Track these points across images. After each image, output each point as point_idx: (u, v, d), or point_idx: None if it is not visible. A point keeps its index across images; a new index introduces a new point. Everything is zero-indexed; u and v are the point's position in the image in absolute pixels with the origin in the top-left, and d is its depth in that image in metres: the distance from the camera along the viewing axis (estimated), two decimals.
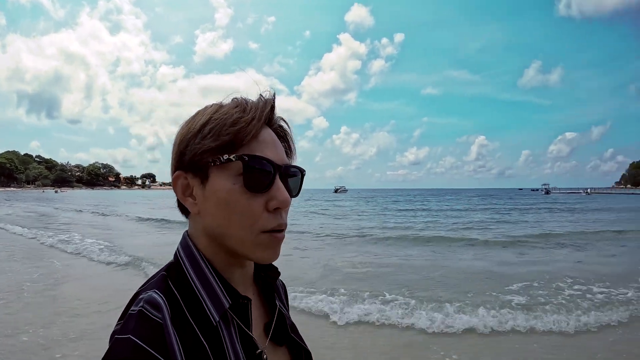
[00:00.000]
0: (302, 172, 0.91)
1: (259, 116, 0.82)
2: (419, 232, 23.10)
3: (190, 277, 0.83)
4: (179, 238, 0.89)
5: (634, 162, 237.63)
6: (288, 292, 1.19)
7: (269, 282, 1.00)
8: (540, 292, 9.23)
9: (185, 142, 0.83)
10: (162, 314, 0.75)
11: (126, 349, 0.69)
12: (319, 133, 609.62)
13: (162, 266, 0.88)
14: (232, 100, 0.86)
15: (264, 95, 0.87)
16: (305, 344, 1.02)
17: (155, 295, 0.77)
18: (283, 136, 0.93)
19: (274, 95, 0.88)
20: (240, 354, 0.81)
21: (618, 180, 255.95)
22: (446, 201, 76.06)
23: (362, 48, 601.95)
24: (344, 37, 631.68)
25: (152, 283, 0.83)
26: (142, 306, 0.75)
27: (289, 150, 0.94)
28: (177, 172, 0.85)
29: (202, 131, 0.81)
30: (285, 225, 0.85)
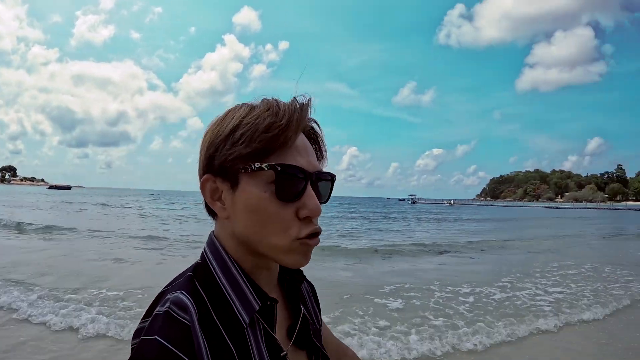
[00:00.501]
0: (332, 177, 0.89)
1: (294, 123, 0.79)
2: None
3: (219, 279, 0.83)
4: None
5: (493, 178, 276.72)
6: None
7: (293, 285, 0.99)
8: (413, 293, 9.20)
9: (215, 146, 0.81)
10: (190, 315, 0.75)
11: (153, 350, 0.70)
12: (192, 134, 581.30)
13: (189, 266, 0.89)
14: (262, 101, 0.83)
15: (299, 99, 0.84)
16: (325, 350, 1.00)
17: (182, 297, 0.77)
18: (314, 138, 0.92)
19: (309, 100, 0.85)
20: (266, 356, 0.81)
21: (479, 193, 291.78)
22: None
23: (245, 51, 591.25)
24: (229, 38, 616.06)
25: (178, 283, 0.83)
26: (168, 307, 0.75)
27: (319, 153, 0.93)
28: (205, 176, 0.84)
29: (232, 136, 0.80)
30: (319, 230, 0.83)
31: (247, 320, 0.80)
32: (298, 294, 0.99)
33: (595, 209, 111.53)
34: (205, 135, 0.85)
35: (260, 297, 0.83)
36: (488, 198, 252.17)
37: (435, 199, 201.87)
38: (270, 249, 0.81)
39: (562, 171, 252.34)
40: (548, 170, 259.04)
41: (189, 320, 0.74)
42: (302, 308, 0.98)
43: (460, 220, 45.16)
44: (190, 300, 0.77)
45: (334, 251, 15.60)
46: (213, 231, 0.90)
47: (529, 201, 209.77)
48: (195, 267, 0.86)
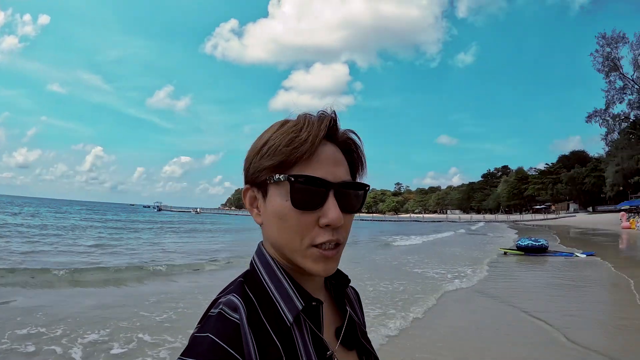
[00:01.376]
0: (362, 187, 0.93)
1: (313, 137, 0.84)
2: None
3: (265, 282, 0.89)
4: None
5: (238, 189, 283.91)
6: None
7: (339, 289, 1.02)
8: None
9: (249, 160, 0.90)
10: (240, 315, 0.80)
11: (204, 346, 0.75)
12: None
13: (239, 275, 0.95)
14: (297, 117, 0.89)
15: (326, 111, 0.91)
16: (374, 350, 1.03)
17: (233, 298, 0.83)
18: (351, 150, 0.95)
19: (334, 112, 0.91)
20: (313, 355, 0.84)
21: (224, 202, 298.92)
22: (62, 213, 71.54)
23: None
24: None
25: (230, 289, 0.89)
26: (221, 308, 0.82)
27: (357, 164, 0.97)
28: (245, 186, 0.94)
29: (261, 150, 0.87)
30: (338, 241, 0.86)
31: (291, 320, 0.84)
32: (344, 297, 1.03)
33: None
34: (248, 151, 0.94)
35: (304, 297, 0.87)
36: (233, 207, 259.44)
37: (181, 207, 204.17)
38: (291, 253, 0.87)
39: None
40: None
41: (238, 319, 0.80)
42: (348, 308, 1.00)
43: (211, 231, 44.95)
44: (240, 301, 0.83)
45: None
46: (261, 240, 0.98)
47: None
48: (246, 273, 0.94)
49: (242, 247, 24.39)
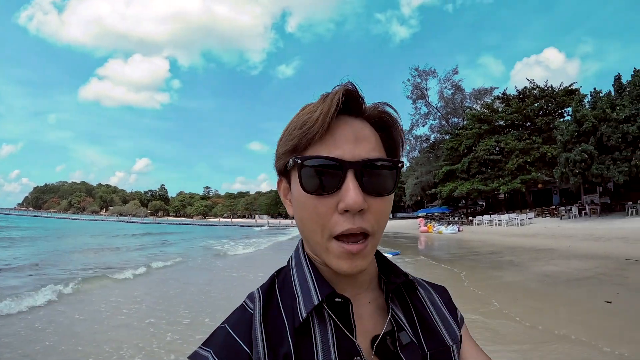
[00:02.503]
0: (390, 165, 0.77)
1: (323, 114, 0.75)
2: None
3: (292, 277, 0.85)
4: None
5: (38, 186, 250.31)
6: None
7: (389, 288, 0.86)
8: None
9: (277, 148, 0.84)
10: (254, 305, 0.81)
11: (219, 337, 0.78)
12: None
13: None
14: (320, 96, 0.80)
15: (341, 87, 0.79)
16: None
17: (255, 291, 0.84)
18: (387, 125, 0.83)
19: (351, 84, 0.79)
20: (333, 356, 0.75)
21: (21, 202, 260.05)
22: None
23: None
24: None
25: (263, 284, 0.87)
26: (244, 300, 0.84)
27: (395, 140, 0.84)
28: (279, 177, 0.88)
29: (282, 137, 0.83)
30: (363, 229, 0.74)
31: (304, 315, 0.77)
32: (389, 297, 0.85)
33: (140, 223, 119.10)
34: None
35: (324, 292, 0.78)
36: (30, 208, 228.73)
37: None
38: (315, 247, 0.80)
39: (108, 185, 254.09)
40: (95, 184, 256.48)
41: (252, 309, 0.80)
42: (394, 315, 0.84)
43: None
44: (259, 293, 0.83)
45: None
46: None
47: (74, 213, 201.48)
48: (281, 269, 0.90)
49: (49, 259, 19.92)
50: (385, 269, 0.90)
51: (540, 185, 46.09)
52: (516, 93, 50.70)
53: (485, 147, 46.94)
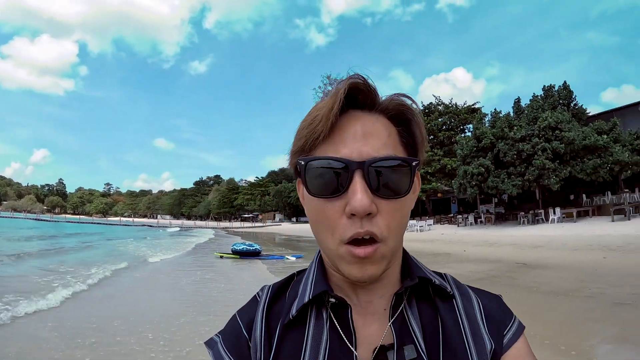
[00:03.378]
0: (408, 162, 0.70)
1: (327, 111, 0.68)
2: None
3: (306, 275, 0.84)
4: None
5: None
6: None
7: (410, 294, 0.79)
8: None
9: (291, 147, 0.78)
10: (262, 295, 0.84)
11: (230, 322, 0.84)
12: None
13: None
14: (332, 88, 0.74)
15: (354, 76, 0.73)
16: None
17: (269, 284, 0.86)
18: (405, 118, 0.75)
19: (358, 75, 0.72)
20: (321, 355, 0.73)
21: None
22: None
23: None
24: None
25: (280, 280, 0.88)
26: (257, 291, 0.86)
27: (414, 134, 0.75)
28: (297, 178, 0.79)
29: (295, 136, 0.76)
30: (370, 233, 0.67)
31: (294, 312, 0.76)
32: (400, 304, 0.77)
33: (37, 219, 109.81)
34: None
35: (318, 291, 0.76)
36: None
37: None
38: (328, 253, 0.74)
39: (2, 177, 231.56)
40: None
41: (259, 298, 0.83)
42: (408, 324, 0.76)
43: None
44: (270, 286, 0.85)
45: None
46: None
47: None
48: (301, 270, 0.89)
49: None
50: (407, 271, 0.81)
51: (439, 195, 48.75)
52: (422, 108, 52.51)
53: None
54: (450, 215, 44.51)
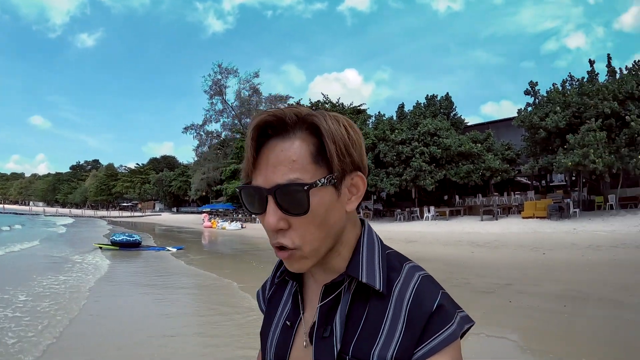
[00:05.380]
0: (301, 187, 0.75)
1: (247, 146, 0.82)
2: None
3: None
4: None
5: None
6: None
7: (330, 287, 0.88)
8: None
9: None
10: (275, 268, 1.03)
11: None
12: None
13: None
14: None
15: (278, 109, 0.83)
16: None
17: None
18: (316, 134, 0.79)
19: (265, 113, 0.80)
20: (283, 316, 0.96)
21: None
22: None
23: None
24: None
25: None
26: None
27: (329, 149, 0.77)
28: None
29: None
30: (281, 244, 0.79)
31: (276, 280, 1.02)
32: (323, 294, 0.88)
33: None
34: None
35: (282, 272, 0.97)
36: None
37: None
38: None
39: None
40: None
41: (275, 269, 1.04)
42: (328, 308, 0.86)
43: None
44: (280, 261, 0.97)
45: None
46: None
47: None
48: None
49: None
50: (352, 265, 0.85)
51: None
52: (309, 105, 52.06)
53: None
54: None
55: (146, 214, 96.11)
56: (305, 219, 0.77)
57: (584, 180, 26.77)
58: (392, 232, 25.31)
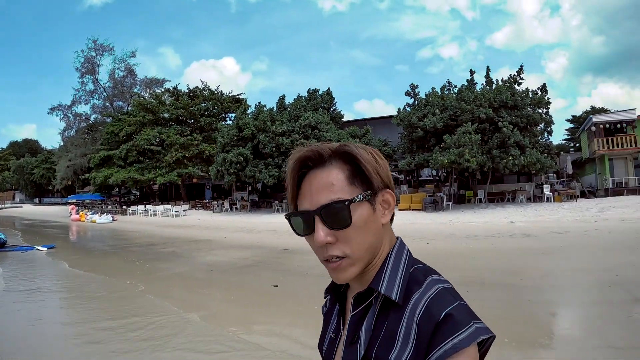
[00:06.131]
0: (342, 202, 0.87)
1: (288, 183, 0.96)
2: None
3: None
4: None
5: None
6: None
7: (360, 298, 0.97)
8: None
9: None
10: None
11: None
12: None
13: None
14: None
15: (303, 149, 0.96)
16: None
17: None
18: (350, 160, 0.92)
19: (302, 150, 0.94)
20: (331, 327, 1.05)
21: None
22: None
23: None
24: None
25: None
26: None
27: (362, 171, 0.92)
28: None
29: None
30: (330, 257, 0.89)
31: (325, 294, 1.12)
32: (354, 305, 0.97)
33: None
34: None
35: (331, 287, 1.07)
36: None
37: None
38: None
39: None
40: None
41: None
42: (356, 319, 0.95)
43: None
44: None
45: None
46: None
47: None
48: None
49: None
50: (376, 278, 0.93)
51: (195, 180, 45.59)
52: (187, 90, 49.13)
53: (147, 136, 43.62)
54: (205, 201, 42.04)
55: (5, 205, 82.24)
56: (349, 231, 0.87)
57: (454, 177, 28.10)
58: (273, 223, 24.01)
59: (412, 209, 25.69)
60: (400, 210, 25.54)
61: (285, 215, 0.96)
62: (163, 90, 52.73)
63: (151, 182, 46.00)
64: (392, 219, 0.97)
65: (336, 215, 0.87)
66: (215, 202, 37.40)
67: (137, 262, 13.87)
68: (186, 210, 37.04)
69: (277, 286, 9.07)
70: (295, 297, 8.43)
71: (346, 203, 0.87)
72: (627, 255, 10.73)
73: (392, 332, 0.86)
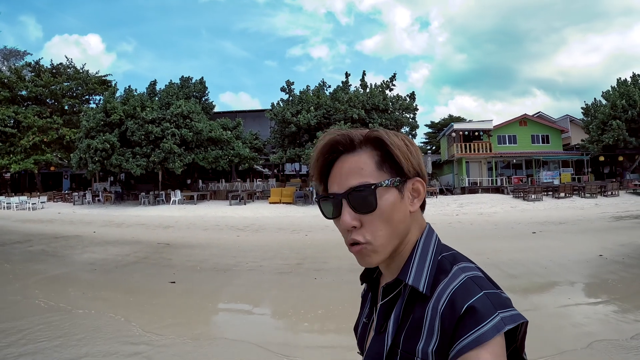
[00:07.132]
0: (368, 186, 0.88)
1: (312, 168, 0.98)
2: None
3: None
4: None
5: None
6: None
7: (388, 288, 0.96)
8: None
9: None
10: None
11: None
12: None
13: None
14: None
15: (333, 132, 0.96)
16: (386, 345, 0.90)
17: None
18: (380, 146, 0.92)
19: (332, 134, 0.95)
20: (365, 311, 1.07)
21: None
22: None
23: None
24: None
25: None
26: None
27: (392, 156, 0.91)
28: None
29: None
30: (355, 240, 0.89)
31: (362, 281, 1.10)
32: (385, 294, 0.97)
33: None
34: None
35: (366, 272, 1.07)
36: None
37: None
38: None
39: None
40: None
41: None
42: (390, 311, 0.94)
43: None
44: None
45: None
46: None
47: None
48: None
49: None
50: (404, 269, 0.92)
51: (52, 168, 40.32)
52: (50, 67, 42.55)
53: (2, 116, 36.91)
54: (64, 192, 37.57)
55: None
56: (374, 216, 0.87)
57: None
58: (142, 217, 22.68)
59: (283, 202, 26.35)
60: (270, 203, 26.10)
61: (314, 199, 1.03)
62: (24, 64, 44.65)
63: (3, 170, 39.44)
64: (423, 207, 0.97)
65: (362, 199, 0.87)
66: (76, 194, 33.82)
67: (5, 264, 11.38)
68: (44, 202, 32.83)
69: (174, 282, 8.56)
70: (198, 292, 7.91)
71: (372, 187, 0.87)
72: (491, 242, 12.54)
73: (418, 323, 0.86)
